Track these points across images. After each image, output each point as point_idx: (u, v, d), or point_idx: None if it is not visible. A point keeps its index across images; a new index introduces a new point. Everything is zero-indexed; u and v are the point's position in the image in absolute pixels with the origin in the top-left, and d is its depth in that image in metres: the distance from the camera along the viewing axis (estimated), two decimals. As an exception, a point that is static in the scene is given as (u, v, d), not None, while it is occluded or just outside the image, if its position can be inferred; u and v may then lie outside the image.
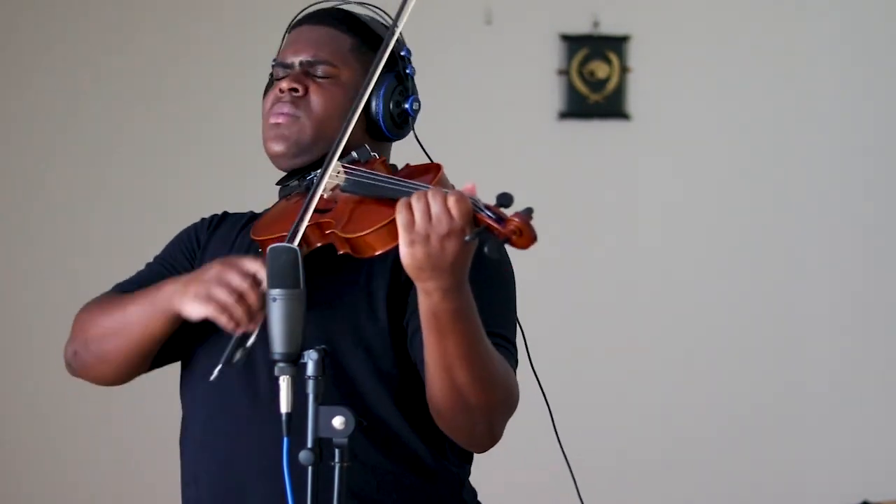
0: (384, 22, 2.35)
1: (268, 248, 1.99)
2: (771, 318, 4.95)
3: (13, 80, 4.72)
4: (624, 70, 4.88)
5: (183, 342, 2.28)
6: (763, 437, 4.92)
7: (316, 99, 2.30)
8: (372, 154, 2.28)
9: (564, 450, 2.38)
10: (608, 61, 4.88)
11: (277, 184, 2.36)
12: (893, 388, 4.97)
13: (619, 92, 4.89)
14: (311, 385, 1.93)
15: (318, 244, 2.17)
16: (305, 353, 1.95)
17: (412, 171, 2.19)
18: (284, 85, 2.30)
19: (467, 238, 1.97)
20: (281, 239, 2.14)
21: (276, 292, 1.96)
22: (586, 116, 4.89)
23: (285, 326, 1.96)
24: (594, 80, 4.88)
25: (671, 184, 4.93)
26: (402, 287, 2.20)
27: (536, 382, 2.31)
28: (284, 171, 2.34)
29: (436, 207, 1.97)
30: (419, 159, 2.28)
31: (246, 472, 2.21)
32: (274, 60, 2.39)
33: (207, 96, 4.76)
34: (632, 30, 4.88)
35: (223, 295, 2.10)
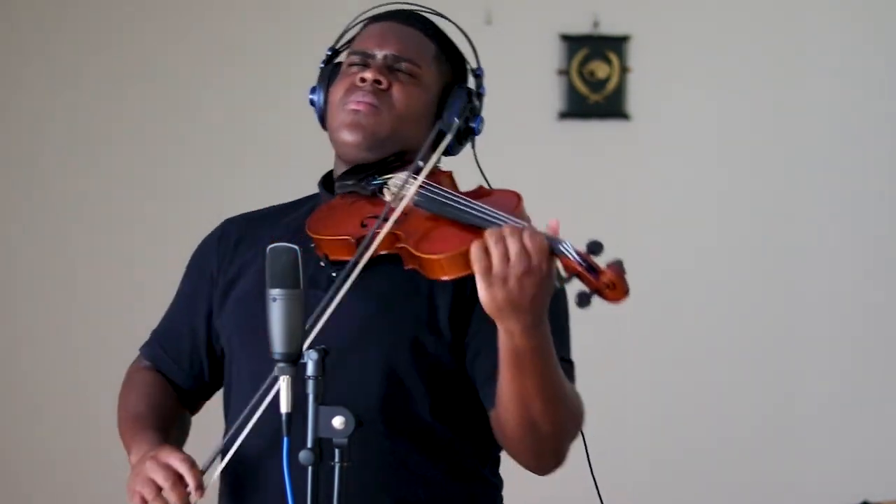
0: (463, 38, 2.36)
1: (268, 248, 1.99)
2: (771, 318, 4.95)
3: (17, 80, 4.72)
4: (624, 70, 4.88)
5: (219, 364, 2.32)
6: (763, 437, 4.91)
7: (398, 96, 2.26)
8: (439, 166, 2.26)
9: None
10: (608, 61, 4.88)
11: (337, 179, 2.29)
12: (893, 389, 4.97)
13: (619, 92, 4.89)
14: (311, 385, 1.93)
15: (382, 252, 2.13)
16: (305, 353, 1.95)
17: (490, 197, 2.15)
18: (369, 75, 2.25)
19: (557, 285, 1.96)
20: (345, 242, 2.12)
21: (276, 292, 1.96)
22: (586, 116, 4.88)
23: (285, 326, 1.96)
24: (594, 80, 4.88)
25: (671, 184, 4.92)
26: (466, 302, 2.18)
27: None
28: (350, 162, 2.28)
29: (514, 248, 1.96)
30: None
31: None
32: (330, 50, 2.35)
33: (211, 96, 4.76)
34: (632, 30, 4.88)
35: (146, 491, 2.17)
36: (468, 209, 2.08)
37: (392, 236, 2.12)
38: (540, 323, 2.00)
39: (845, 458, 4.91)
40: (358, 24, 2.36)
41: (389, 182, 2.20)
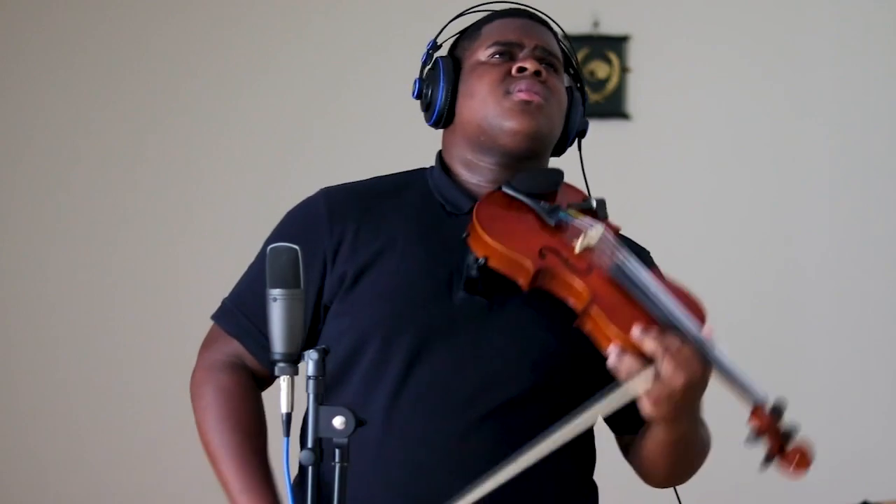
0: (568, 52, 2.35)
1: (268, 248, 1.98)
2: (771, 317, 4.95)
3: (15, 78, 4.73)
4: (624, 70, 4.88)
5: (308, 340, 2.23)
6: (763, 437, 4.92)
7: (555, 89, 2.25)
8: (606, 212, 2.23)
9: None
10: (608, 61, 4.88)
11: (510, 181, 2.22)
12: (893, 388, 4.97)
13: (619, 92, 4.89)
14: (311, 385, 1.93)
15: (551, 293, 2.07)
16: (305, 353, 1.95)
17: (680, 297, 2.11)
18: (531, 65, 2.21)
19: (745, 443, 2.04)
20: (519, 264, 2.06)
21: (276, 292, 1.96)
22: (586, 116, 4.88)
23: (285, 326, 1.96)
24: (594, 80, 4.88)
25: (671, 184, 4.93)
26: None
27: None
28: (511, 151, 2.22)
29: (668, 369, 1.97)
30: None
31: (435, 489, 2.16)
32: (433, 42, 2.30)
33: (209, 92, 4.76)
34: (632, 30, 4.88)
35: None
36: (658, 306, 2.04)
37: (581, 292, 2.06)
38: (699, 409, 2.09)
39: (845, 457, 4.91)
40: (478, 14, 2.32)
41: (587, 232, 2.13)
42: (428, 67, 2.31)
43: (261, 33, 4.77)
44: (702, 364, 2.00)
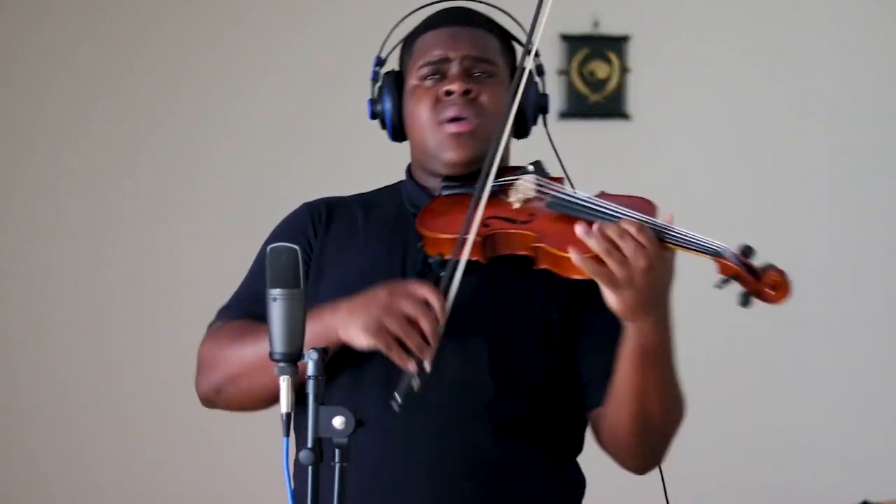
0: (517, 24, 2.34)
1: (268, 248, 1.99)
2: (771, 317, 4.95)
3: (10, 77, 4.73)
4: (624, 70, 4.88)
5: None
6: (763, 437, 4.92)
7: (487, 100, 2.25)
8: (548, 172, 2.29)
9: None
10: (608, 61, 4.88)
11: (444, 182, 2.28)
12: (894, 388, 4.97)
13: (619, 92, 4.89)
14: (311, 385, 1.93)
15: (506, 253, 2.12)
16: (305, 352, 1.95)
17: (623, 200, 2.18)
18: (455, 87, 2.23)
19: (716, 286, 1.99)
20: (451, 241, 2.11)
21: (276, 292, 1.96)
22: (586, 116, 4.89)
23: (285, 326, 1.96)
24: (594, 80, 4.88)
25: (671, 184, 4.92)
26: (577, 311, 2.20)
27: None
28: (452, 176, 2.26)
29: (628, 248, 1.97)
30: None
31: (401, 471, 2.18)
32: (377, 58, 2.34)
33: (221, 99, 4.76)
34: (632, 30, 4.88)
35: (394, 326, 2.05)
36: (603, 211, 2.10)
37: (520, 236, 2.12)
38: (667, 314, 2.04)
39: (845, 458, 4.91)
40: (407, 23, 2.35)
41: (517, 184, 2.20)
42: (377, 85, 2.35)
43: (261, 33, 4.77)
44: (655, 240, 2.00)
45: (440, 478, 2.08)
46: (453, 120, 2.24)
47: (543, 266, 2.08)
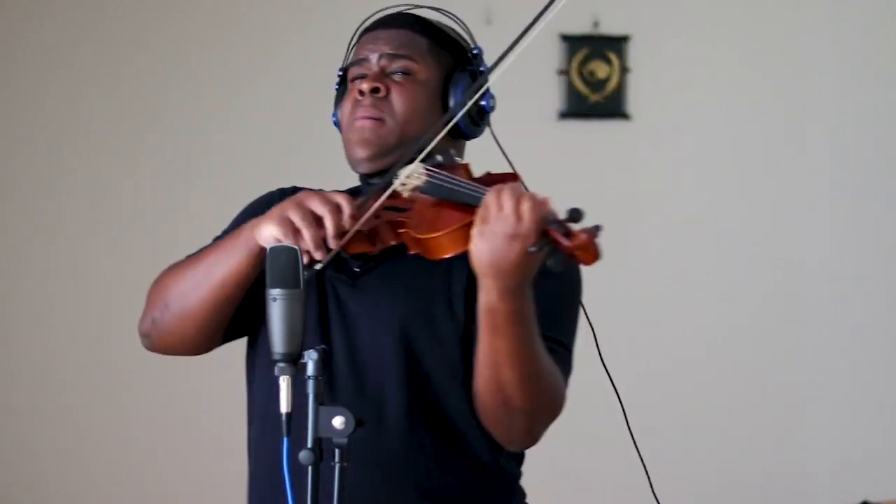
0: (457, 24, 2.37)
1: (268, 248, 2.00)
2: (772, 317, 4.95)
3: (6, 76, 4.73)
4: (624, 70, 4.88)
5: (252, 317, 2.27)
6: (763, 437, 4.92)
7: (398, 99, 2.27)
8: (456, 159, 2.29)
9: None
10: (608, 61, 4.88)
11: (361, 181, 2.32)
12: (893, 388, 4.97)
13: (619, 92, 4.89)
14: (310, 385, 1.94)
15: (392, 243, 2.17)
16: (305, 353, 1.95)
17: (492, 179, 2.19)
18: (365, 86, 2.27)
19: (532, 249, 1.98)
20: (358, 233, 2.14)
21: (276, 292, 1.96)
22: (586, 116, 4.89)
23: (285, 326, 1.96)
24: (594, 80, 4.88)
25: (671, 184, 4.93)
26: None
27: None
28: (367, 173, 2.30)
29: (507, 206, 1.99)
30: (497, 162, 2.28)
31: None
32: (341, 70, 2.37)
33: (220, 97, 4.76)
34: (632, 30, 4.88)
35: (296, 217, 2.10)
36: (468, 189, 2.12)
37: (395, 224, 2.16)
38: (518, 289, 2.02)
39: (845, 457, 4.91)
40: (357, 34, 2.38)
41: (407, 173, 2.22)
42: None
43: (261, 33, 4.77)
44: (534, 223, 1.99)
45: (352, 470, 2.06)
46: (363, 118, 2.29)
47: (414, 251, 2.13)
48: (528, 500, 2.35)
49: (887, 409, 4.95)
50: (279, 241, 2.08)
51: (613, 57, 4.88)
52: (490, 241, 1.98)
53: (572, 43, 4.87)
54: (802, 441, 4.93)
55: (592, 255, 1.99)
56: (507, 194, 1.99)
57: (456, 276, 2.21)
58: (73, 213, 4.71)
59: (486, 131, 2.40)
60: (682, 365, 4.89)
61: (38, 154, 4.72)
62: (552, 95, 4.88)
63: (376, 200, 2.17)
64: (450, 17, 2.39)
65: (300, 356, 1.95)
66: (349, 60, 2.36)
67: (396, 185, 2.17)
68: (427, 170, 2.18)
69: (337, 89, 2.39)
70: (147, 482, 4.66)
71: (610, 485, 4.67)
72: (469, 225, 2.03)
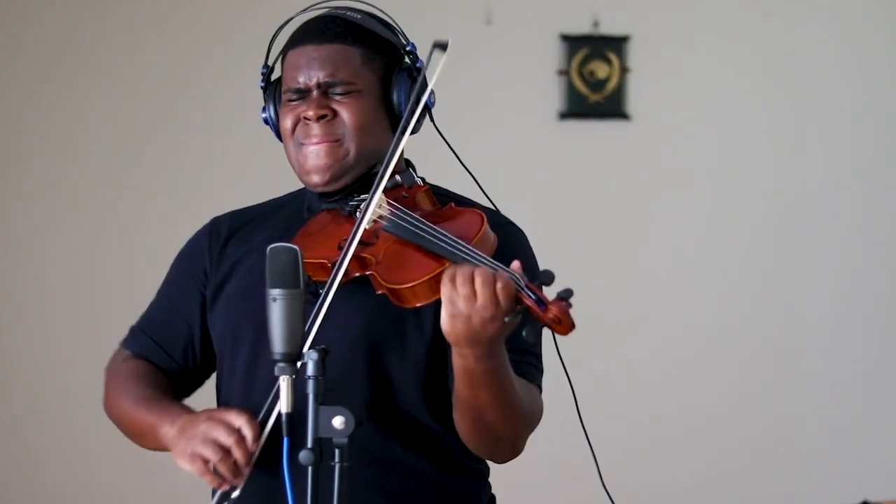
0: (384, 20, 2.34)
1: (268, 248, 1.99)
2: (772, 318, 4.95)
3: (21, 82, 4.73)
4: (624, 70, 4.88)
5: (211, 353, 2.34)
6: (763, 437, 4.92)
7: (348, 116, 2.27)
8: (416, 179, 2.28)
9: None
10: (608, 61, 4.88)
11: (321, 196, 2.31)
12: (893, 389, 4.97)
13: (619, 92, 4.89)
14: (311, 385, 1.94)
15: (356, 275, 2.15)
16: (305, 353, 1.95)
17: (455, 221, 2.16)
18: (311, 113, 2.26)
19: (507, 320, 1.99)
20: (321, 265, 2.14)
21: (276, 292, 1.96)
22: (586, 116, 4.89)
23: (285, 326, 1.96)
24: (594, 80, 4.88)
25: (671, 184, 4.92)
26: None
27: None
28: (321, 194, 2.30)
29: (483, 296, 1.99)
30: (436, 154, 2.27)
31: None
32: (263, 71, 2.38)
33: (207, 96, 4.76)
34: (632, 30, 4.88)
35: (208, 453, 2.14)
36: (434, 239, 2.10)
37: (362, 260, 2.14)
38: (494, 350, 2.04)
39: (845, 458, 4.91)
40: (281, 34, 2.39)
41: (362, 204, 2.21)
42: (265, 94, 2.40)
43: (261, 33, 4.76)
44: (511, 302, 1.99)
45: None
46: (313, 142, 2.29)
47: (380, 292, 2.12)
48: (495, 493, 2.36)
49: (887, 409, 4.95)
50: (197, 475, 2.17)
51: (613, 57, 4.88)
52: (465, 324, 2.00)
53: (572, 43, 4.87)
54: (803, 441, 4.93)
55: (566, 326, 1.99)
56: (480, 281, 1.99)
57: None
58: (73, 213, 4.71)
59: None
60: (683, 364, 4.89)
61: (38, 154, 4.72)
62: (552, 95, 4.87)
63: (342, 231, 2.16)
64: (378, 13, 2.35)
65: (300, 356, 1.95)
66: (284, 81, 2.33)
67: (359, 232, 2.14)
68: (390, 204, 2.17)
69: (263, 88, 2.38)
70: (147, 482, 4.66)
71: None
72: (438, 277, 2.04)
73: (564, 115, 4.88)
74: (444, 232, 2.10)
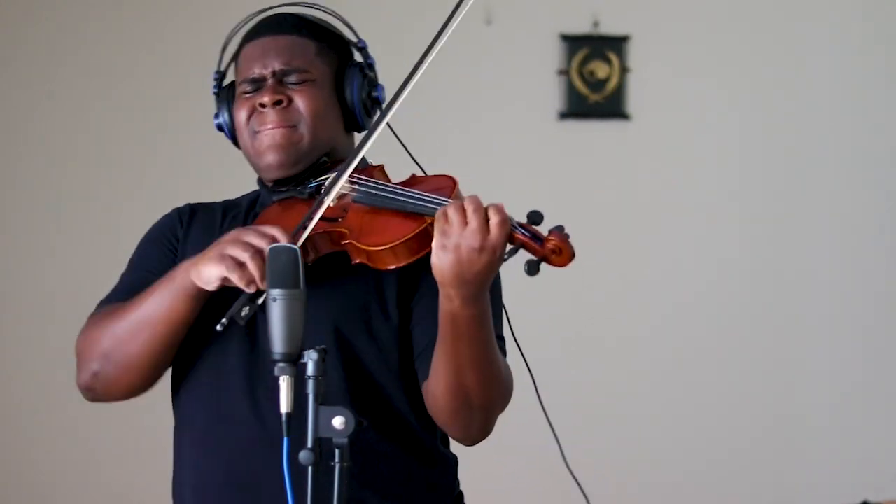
0: (339, 18, 2.40)
1: (268, 249, 2.00)
2: (772, 318, 4.95)
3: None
4: (624, 70, 4.88)
5: (183, 345, 2.30)
6: (764, 437, 4.92)
7: (303, 103, 2.31)
8: (369, 161, 2.32)
9: (562, 450, 2.40)
10: (608, 61, 4.88)
11: (272, 189, 2.35)
12: (894, 388, 4.97)
13: (619, 92, 4.89)
14: (310, 385, 1.94)
15: (328, 251, 2.18)
16: (305, 353, 1.95)
17: (425, 184, 2.19)
18: (267, 99, 2.31)
19: (505, 257, 2.00)
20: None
21: (276, 292, 1.96)
22: (586, 116, 4.89)
23: (285, 326, 1.96)
24: (594, 80, 4.88)
25: (671, 184, 4.93)
26: (411, 286, 2.25)
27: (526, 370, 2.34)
28: (276, 180, 2.34)
29: (474, 221, 2.02)
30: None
31: (256, 471, 2.22)
32: (216, 77, 2.41)
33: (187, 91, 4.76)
34: (632, 30, 4.89)
35: (237, 252, 2.13)
36: (407, 198, 2.13)
37: (333, 234, 2.17)
38: (480, 294, 2.07)
39: (845, 458, 4.91)
40: (237, 36, 2.41)
41: (326, 183, 2.23)
42: (217, 99, 2.43)
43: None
44: (504, 235, 2.02)
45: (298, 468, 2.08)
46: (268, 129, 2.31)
47: (358, 260, 2.14)
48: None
49: (887, 409, 4.95)
50: (226, 279, 2.13)
51: (613, 57, 4.88)
52: (455, 255, 2.02)
53: (572, 43, 4.87)
54: (803, 441, 4.93)
55: (567, 255, 2.01)
56: (472, 207, 2.02)
57: (386, 280, 2.24)
58: (73, 213, 4.71)
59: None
60: (683, 363, 4.89)
61: (37, 154, 4.72)
62: (552, 95, 4.88)
63: (308, 215, 2.17)
64: (329, 14, 2.40)
65: (300, 356, 1.95)
66: (240, 74, 2.36)
67: (328, 201, 2.17)
68: (352, 177, 2.19)
69: (216, 94, 2.41)
70: (146, 482, 4.66)
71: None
72: (420, 235, 2.06)
73: (564, 115, 4.88)
74: (419, 191, 2.13)
